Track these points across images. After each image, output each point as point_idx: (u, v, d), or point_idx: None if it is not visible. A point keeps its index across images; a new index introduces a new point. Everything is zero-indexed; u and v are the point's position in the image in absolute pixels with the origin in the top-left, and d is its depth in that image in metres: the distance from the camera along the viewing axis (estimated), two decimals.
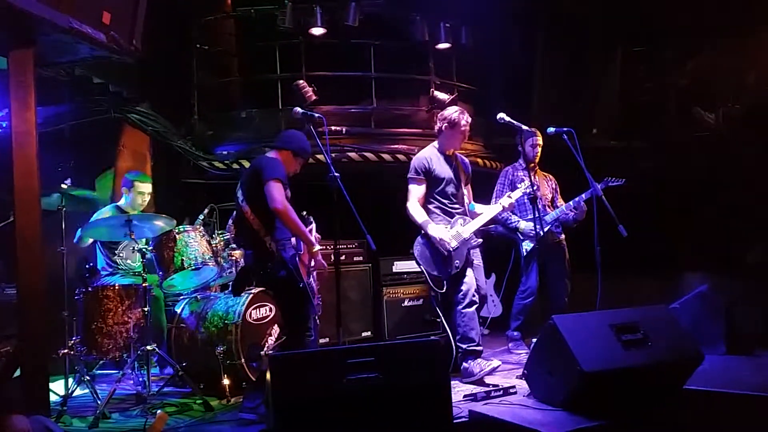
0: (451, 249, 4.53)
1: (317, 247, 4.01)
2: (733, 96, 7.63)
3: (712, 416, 3.57)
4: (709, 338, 4.70)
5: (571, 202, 5.41)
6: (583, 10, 7.52)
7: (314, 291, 4.11)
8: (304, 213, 4.44)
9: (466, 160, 5.02)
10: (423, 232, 4.64)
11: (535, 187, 4.90)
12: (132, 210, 5.00)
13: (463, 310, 4.51)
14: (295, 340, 3.95)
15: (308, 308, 3.96)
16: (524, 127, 4.72)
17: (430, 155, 4.76)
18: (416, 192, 4.67)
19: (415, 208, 4.65)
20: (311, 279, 4.12)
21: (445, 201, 4.70)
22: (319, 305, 4.20)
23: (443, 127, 4.72)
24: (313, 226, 4.45)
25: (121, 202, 5.08)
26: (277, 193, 3.82)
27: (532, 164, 5.56)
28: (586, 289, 5.12)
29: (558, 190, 5.77)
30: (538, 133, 5.49)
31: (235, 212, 4.27)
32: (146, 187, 5.11)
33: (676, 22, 7.33)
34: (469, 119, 4.73)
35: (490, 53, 7.60)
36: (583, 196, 5.28)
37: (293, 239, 4.05)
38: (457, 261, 4.53)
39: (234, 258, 4.88)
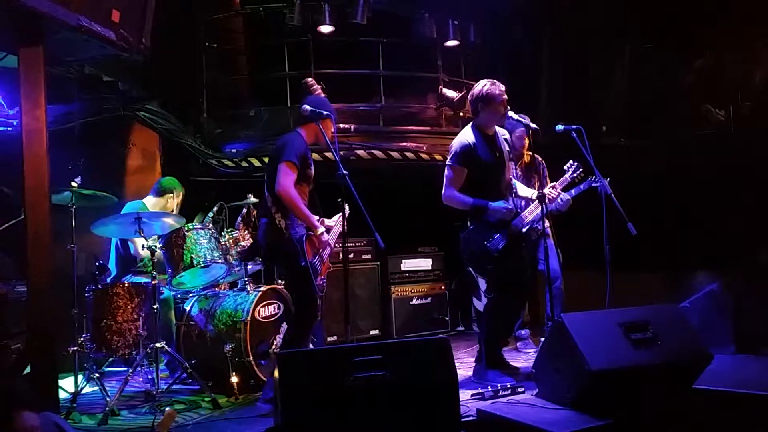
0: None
1: (320, 230, 4.05)
2: (742, 94, 7.58)
3: (722, 416, 3.55)
4: (718, 337, 4.67)
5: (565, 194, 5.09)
6: (590, 8, 7.48)
7: (317, 271, 4.11)
8: (339, 200, 4.31)
9: (507, 134, 4.68)
10: (469, 220, 4.38)
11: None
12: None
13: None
14: (302, 318, 4.07)
15: (310, 286, 3.97)
16: (513, 116, 4.46)
17: (471, 139, 4.39)
18: (456, 178, 4.38)
19: (454, 193, 4.37)
20: (316, 259, 4.11)
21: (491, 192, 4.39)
22: (321, 285, 4.19)
23: (479, 107, 4.37)
24: (345, 212, 4.11)
25: (147, 200, 5.13)
26: (283, 176, 3.92)
27: (527, 154, 5.39)
28: (595, 288, 5.10)
29: (546, 173, 5.48)
30: (531, 126, 5.32)
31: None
32: (179, 197, 5.28)
33: (684, 19, 7.28)
34: (503, 87, 4.38)
35: (498, 50, 7.58)
36: (572, 191, 5.01)
37: None
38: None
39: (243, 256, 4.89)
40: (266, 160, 6.66)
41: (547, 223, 4.65)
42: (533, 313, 5.88)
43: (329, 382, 3.00)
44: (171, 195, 5.19)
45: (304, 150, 4.10)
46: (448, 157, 4.48)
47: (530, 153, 5.46)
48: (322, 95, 4.42)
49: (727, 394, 3.61)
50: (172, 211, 5.15)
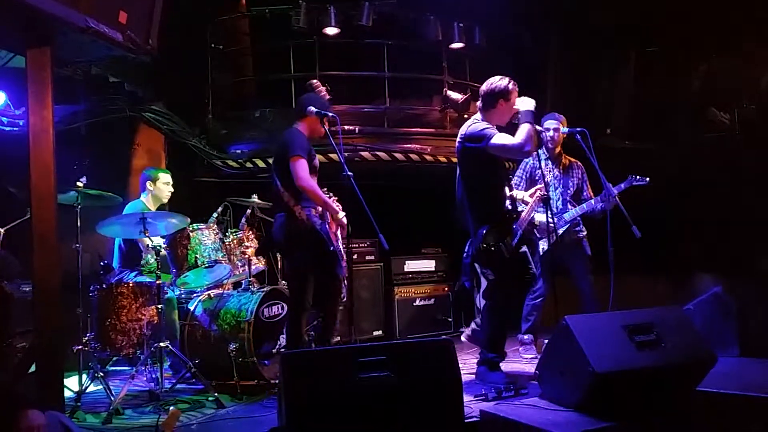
0: None
1: (341, 214, 4.27)
2: (747, 97, 7.57)
3: (725, 418, 3.54)
4: (722, 340, 4.66)
5: (598, 197, 5.17)
6: (596, 10, 7.49)
7: (342, 255, 4.32)
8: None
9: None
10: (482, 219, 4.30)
11: (550, 185, 4.77)
12: (158, 203, 5.15)
13: None
14: (332, 302, 4.33)
15: (338, 269, 4.27)
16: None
17: (485, 122, 4.32)
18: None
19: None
20: (339, 244, 4.34)
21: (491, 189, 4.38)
22: (344, 267, 4.35)
23: (498, 103, 4.32)
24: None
25: (143, 198, 5.14)
26: (300, 170, 4.15)
27: (557, 151, 5.36)
28: (599, 290, 5.11)
29: (586, 179, 5.44)
30: (557, 116, 5.27)
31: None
32: (169, 177, 5.24)
33: (690, 23, 7.28)
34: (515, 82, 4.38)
35: (503, 53, 7.59)
36: (615, 188, 4.96)
37: (319, 208, 4.29)
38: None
39: (247, 256, 4.90)
40: (271, 161, 6.72)
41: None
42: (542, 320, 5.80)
43: (333, 382, 3.00)
44: (149, 182, 5.14)
45: (307, 143, 4.32)
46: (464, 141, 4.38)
47: (568, 157, 5.46)
48: (327, 97, 4.51)
49: (731, 397, 3.61)
50: (168, 195, 5.19)
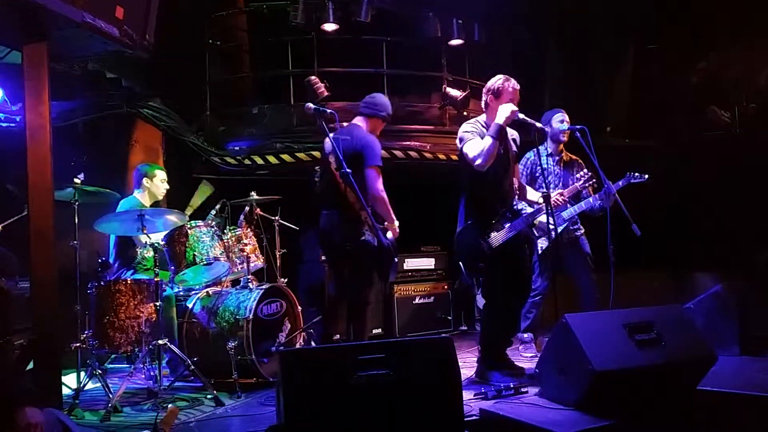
0: None
1: (396, 223, 4.35)
2: (746, 95, 7.57)
3: (725, 417, 3.54)
4: (722, 339, 4.66)
5: (596, 195, 5.13)
6: (595, 7, 7.48)
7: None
8: None
9: (516, 135, 4.60)
10: (467, 217, 4.37)
11: (550, 183, 4.75)
12: (153, 199, 5.12)
13: None
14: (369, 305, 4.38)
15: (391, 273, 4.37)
16: (538, 125, 4.39)
17: (476, 126, 4.34)
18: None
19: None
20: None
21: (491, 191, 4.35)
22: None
23: (488, 100, 4.37)
24: None
25: (137, 194, 5.12)
26: (379, 181, 4.22)
27: (562, 145, 5.35)
28: (600, 288, 5.10)
29: (587, 176, 5.36)
30: (560, 110, 5.33)
31: (319, 172, 4.60)
32: (164, 174, 5.22)
33: (689, 20, 7.27)
34: (517, 86, 4.34)
35: (502, 50, 7.57)
36: (614, 186, 4.91)
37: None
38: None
39: (245, 253, 4.89)
40: (269, 158, 6.70)
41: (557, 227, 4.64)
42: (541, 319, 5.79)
43: (333, 380, 2.99)
44: (145, 179, 5.12)
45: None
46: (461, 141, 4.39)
47: (569, 154, 5.45)
48: (326, 93, 4.49)
49: (731, 396, 3.60)
50: (164, 191, 5.17)
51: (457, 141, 4.42)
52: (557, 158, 5.40)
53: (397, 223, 4.35)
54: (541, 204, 4.46)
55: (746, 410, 3.55)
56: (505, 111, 4.17)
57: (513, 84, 4.33)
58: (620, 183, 5.02)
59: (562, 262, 5.31)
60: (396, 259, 4.34)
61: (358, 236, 4.25)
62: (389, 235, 4.32)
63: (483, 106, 4.45)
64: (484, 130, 4.30)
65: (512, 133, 4.55)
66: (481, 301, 5.34)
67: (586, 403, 3.36)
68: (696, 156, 7.17)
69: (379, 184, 4.22)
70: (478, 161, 4.18)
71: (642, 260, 5.60)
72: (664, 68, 7.76)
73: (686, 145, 7.38)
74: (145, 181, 5.12)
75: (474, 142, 4.26)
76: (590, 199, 5.19)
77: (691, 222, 6.82)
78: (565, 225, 5.28)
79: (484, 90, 4.42)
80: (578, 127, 4.64)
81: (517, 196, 4.63)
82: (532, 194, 4.71)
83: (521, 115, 4.29)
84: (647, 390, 3.46)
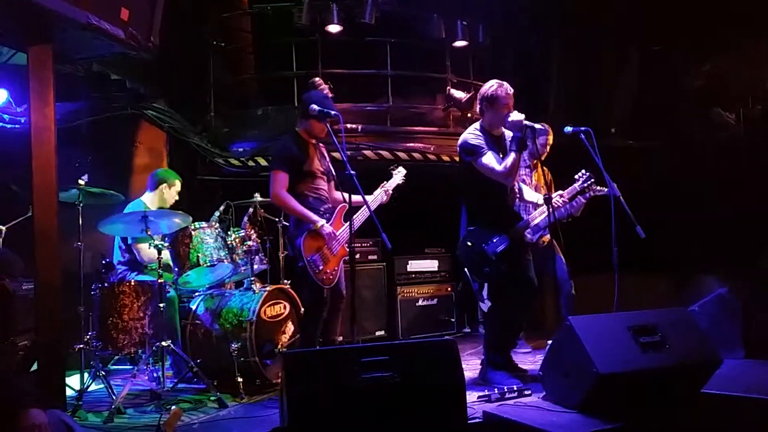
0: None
1: (320, 222, 4.23)
2: (751, 97, 7.55)
3: (730, 421, 3.52)
4: (727, 342, 4.64)
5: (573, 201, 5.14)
6: (599, 9, 7.46)
7: (317, 268, 4.21)
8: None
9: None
10: (470, 222, 4.39)
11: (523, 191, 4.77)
12: (161, 205, 5.13)
13: None
14: (306, 314, 4.46)
15: (310, 283, 4.22)
16: (537, 126, 4.43)
17: (479, 135, 4.36)
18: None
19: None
20: (317, 255, 4.23)
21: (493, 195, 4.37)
22: (333, 273, 4.30)
23: (483, 107, 4.38)
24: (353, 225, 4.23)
25: (147, 196, 5.12)
26: (273, 184, 4.23)
27: (536, 161, 5.43)
28: (603, 291, 5.07)
29: (552, 185, 5.44)
30: (551, 131, 5.38)
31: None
32: (180, 186, 5.27)
33: (694, 22, 7.25)
34: (511, 90, 4.34)
35: (506, 52, 7.57)
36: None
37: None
38: None
39: (249, 255, 4.88)
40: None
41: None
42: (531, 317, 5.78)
43: (336, 382, 2.99)
44: (164, 185, 5.15)
45: (291, 151, 4.30)
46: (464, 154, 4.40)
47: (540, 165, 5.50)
48: (330, 95, 4.47)
49: (736, 399, 3.59)
50: (173, 201, 5.18)
51: (460, 149, 4.41)
52: (532, 168, 5.47)
53: (320, 222, 4.23)
54: (542, 206, 4.50)
55: (751, 413, 3.53)
56: (517, 121, 4.19)
57: (507, 89, 4.34)
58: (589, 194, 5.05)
59: (540, 269, 5.32)
60: (318, 264, 4.22)
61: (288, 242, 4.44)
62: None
63: (479, 112, 4.47)
64: (485, 139, 4.32)
65: (510, 136, 4.55)
66: (485, 305, 5.35)
67: (590, 406, 3.35)
68: (701, 158, 7.15)
69: (272, 187, 4.25)
70: (510, 179, 4.28)
71: (646, 262, 5.58)
72: (669, 70, 7.75)
73: (691, 147, 7.35)
74: (163, 186, 5.14)
75: (491, 156, 4.26)
76: (562, 210, 5.17)
77: (695, 224, 6.79)
78: (540, 233, 5.31)
79: (479, 97, 4.44)
80: (583, 129, 4.63)
81: (517, 199, 4.64)
82: (531, 195, 4.73)
83: (527, 122, 4.30)
84: (652, 393, 3.45)
